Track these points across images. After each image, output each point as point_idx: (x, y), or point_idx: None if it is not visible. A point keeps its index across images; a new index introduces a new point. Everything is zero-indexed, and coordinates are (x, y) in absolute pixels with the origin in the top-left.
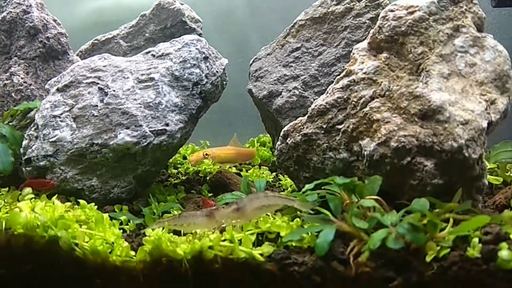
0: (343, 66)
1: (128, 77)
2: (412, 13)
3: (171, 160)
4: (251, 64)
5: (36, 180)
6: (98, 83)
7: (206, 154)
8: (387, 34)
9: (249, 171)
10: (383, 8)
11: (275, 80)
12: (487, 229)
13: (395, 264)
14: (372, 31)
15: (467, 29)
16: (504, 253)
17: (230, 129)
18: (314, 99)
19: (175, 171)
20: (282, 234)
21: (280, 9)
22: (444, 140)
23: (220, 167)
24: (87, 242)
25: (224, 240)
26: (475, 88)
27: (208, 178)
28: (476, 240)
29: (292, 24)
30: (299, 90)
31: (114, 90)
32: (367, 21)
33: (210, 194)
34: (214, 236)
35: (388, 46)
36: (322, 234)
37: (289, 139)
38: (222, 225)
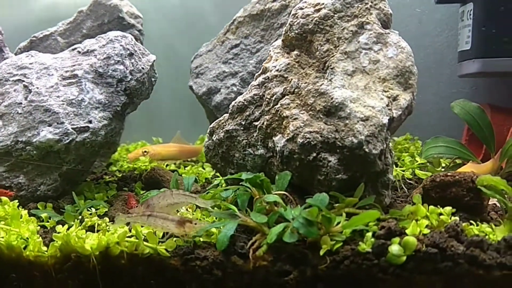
0: None
1: (52, 74)
2: (318, 10)
3: (115, 157)
4: (192, 60)
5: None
6: (23, 81)
7: (145, 151)
8: (296, 32)
9: (186, 168)
10: None
11: (214, 76)
12: (384, 223)
13: (293, 258)
14: (285, 28)
15: (371, 25)
16: (394, 248)
17: (190, 125)
18: None
19: (115, 168)
20: None
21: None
22: (345, 136)
23: (158, 163)
24: (3, 237)
25: (130, 236)
26: (378, 85)
27: (143, 175)
28: (369, 234)
29: (232, 21)
30: (237, 87)
31: (37, 88)
32: None
33: (142, 191)
34: (120, 232)
35: (299, 44)
36: (223, 229)
37: (214, 135)
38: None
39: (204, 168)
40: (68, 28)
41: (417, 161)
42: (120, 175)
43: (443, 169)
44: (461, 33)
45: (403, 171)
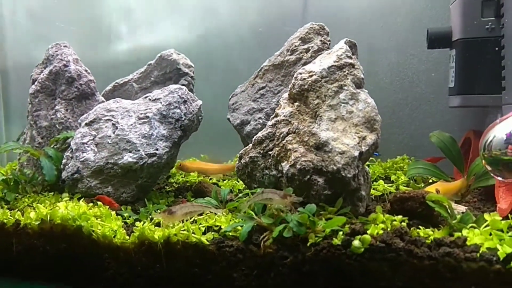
0: None
1: (131, 115)
2: (311, 76)
3: (172, 171)
4: (230, 98)
5: (107, 198)
6: (111, 120)
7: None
8: (297, 89)
9: (224, 181)
10: None
11: (246, 111)
12: (353, 226)
13: (290, 247)
14: (290, 86)
15: (347, 87)
16: (355, 242)
17: (229, 146)
18: None
19: (172, 180)
20: (222, 227)
21: (267, 47)
22: (328, 164)
23: (204, 177)
24: (100, 229)
25: (183, 230)
26: (352, 128)
27: (192, 187)
28: (341, 233)
29: (259, 69)
30: (263, 120)
31: (121, 125)
32: None
33: (192, 199)
34: (177, 227)
35: (299, 98)
36: (244, 227)
37: (242, 159)
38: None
39: (238, 182)
40: (140, 76)
41: (400, 179)
42: (176, 186)
43: (423, 185)
44: (450, 72)
45: (391, 186)
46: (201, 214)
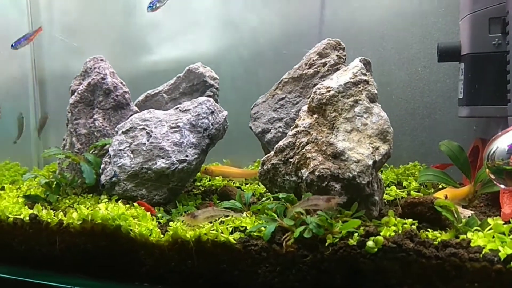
0: None
1: (164, 125)
2: (329, 91)
3: (197, 176)
4: (252, 108)
5: (147, 204)
6: (146, 129)
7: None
8: (316, 103)
9: (247, 185)
10: None
11: (267, 121)
12: (367, 228)
13: (310, 247)
14: (309, 99)
15: (362, 102)
16: (369, 243)
17: (250, 152)
18: None
19: (199, 184)
20: (248, 227)
21: (283, 61)
22: (344, 172)
23: (228, 181)
24: (137, 228)
25: (213, 230)
26: (366, 139)
27: (218, 190)
28: (356, 234)
29: (279, 81)
30: (283, 129)
31: (155, 134)
32: None
33: (218, 201)
34: (207, 227)
35: (317, 110)
36: (267, 228)
37: (264, 166)
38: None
39: (259, 186)
40: (170, 88)
41: (411, 185)
42: (203, 189)
43: (433, 191)
44: (459, 84)
45: (402, 191)
46: (227, 216)
